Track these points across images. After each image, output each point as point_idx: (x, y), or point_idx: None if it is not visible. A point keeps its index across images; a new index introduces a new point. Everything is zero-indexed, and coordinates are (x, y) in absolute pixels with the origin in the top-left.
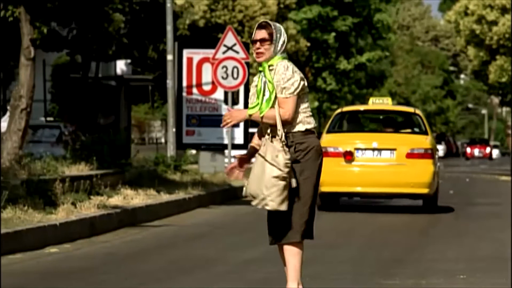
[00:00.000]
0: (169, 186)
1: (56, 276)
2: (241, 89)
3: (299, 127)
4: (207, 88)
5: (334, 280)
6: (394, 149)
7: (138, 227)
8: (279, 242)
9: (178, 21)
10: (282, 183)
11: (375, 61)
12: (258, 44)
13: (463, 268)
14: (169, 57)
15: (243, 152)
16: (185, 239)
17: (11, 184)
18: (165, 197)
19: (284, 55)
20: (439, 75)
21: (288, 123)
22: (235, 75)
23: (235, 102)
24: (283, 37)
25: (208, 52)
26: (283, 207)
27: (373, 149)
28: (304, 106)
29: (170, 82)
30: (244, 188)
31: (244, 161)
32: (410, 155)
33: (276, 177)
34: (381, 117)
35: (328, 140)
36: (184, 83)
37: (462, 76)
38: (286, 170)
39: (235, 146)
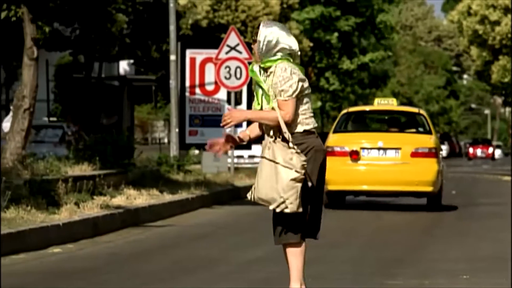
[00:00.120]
0: (172, 186)
1: (59, 276)
2: (244, 89)
3: (298, 129)
4: (210, 88)
5: (337, 280)
6: (399, 149)
7: (141, 227)
8: (280, 242)
9: (180, 21)
10: (299, 185)
11: (378, 61)
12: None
13: (466, 268)
14: (172, 57)
15: (246, 152)
16: (188, 239)
17: (14, 184)
18: (168, 197)
19: (283, 56)
20: (442, 75)
21: (288, 125)
22: (238, 75)
23: (238, 102)
24: (270, 38)
25: (211, 52)
26: (300, 209)
27: (379, 149)
28: (303, 108)
29: (173, 82)
30: (250, 193)
31: (231, 141)
32: (414, 154)
33: (294, 179)
34: (386, 117)
35: (335, 140)
36: (187, 83)
37: (465, 76)
38: (303, 171)
39: (238, 146)
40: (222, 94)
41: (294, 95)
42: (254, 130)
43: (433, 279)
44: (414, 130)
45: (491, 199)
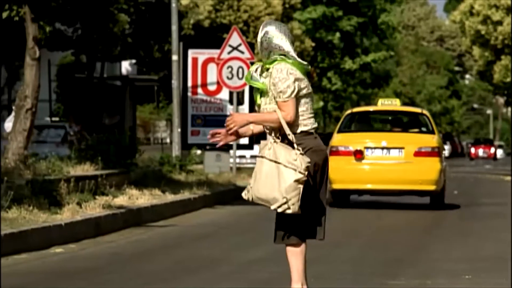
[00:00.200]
0: (174, 186)
1: (61, 276)
2: (246, 89)
3: (295, 130)
4: (212, 88)
5: (338, 280)
6: (403, 148)
7: (143, 227)
8: (280, 242)
9: (182, 21)
10: (301, 186)
11: (380, 61)
12: None
13: (468, 268)
14: (174, 57)
15: (248, 152)
16: (190, 239)
17: (16, 184)
18: (170, 197)
19: (279, 56)
20: (444, 75)
21: (290, 126)
22: (240, 75)
23: (240, 102)
24: (264, 38)
25: (213, 52)
26: (299, 211)
27: (382, 148)
28: (301, 109)
29: (175, 82)
30: (247, 192)
31: (234, 133)
32: (417, 154)
33: (297, 180)
34: (389, 117)
35: (339, 140)
36: (189, 83)
37: (467, 76)
38: (306, 173)
39: (240, 146)
40: (224, 94)
41: (293, 95)
42: (257, 126)
43: (435, 279)
44: (417, 130)
45: (493, 199)
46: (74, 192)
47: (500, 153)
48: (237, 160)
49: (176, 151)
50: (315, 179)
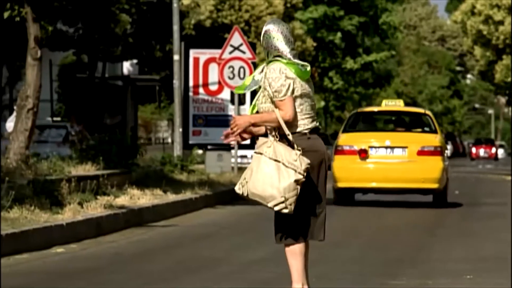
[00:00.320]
0: (175, 186)
1: (62, 276)
2: None
3: (291, 130)
4: (213, 88)
5: (340, 280)
6: (406, 147)
7: (144, 227)
8: (279, 242)
9: (184, 21)
10: (299, 187)
11: (382, 61)
12: None
13: (469, 268)
14: (176, 57)
15: (250, 152)
16: (192, 239)
17: (18, 184)
18: (171, 197)
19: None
20: (446, 75)
21: (289, 126)
22: (241, 75)
23: (241, 102)
24: (263, 37)
25: (215, 52)
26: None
27: (386, 147)
28: (297, 110)
29: (176, 82)
30: (241, 187)
31: (247, 131)
32: (420, 153)
33: (296, 181)
34: (393, 117)
35: (344, 139)
36: (191, 83)
37: (468, 76)
38: (305, 174)
39: (242, 146)
40: (225, 94)
41: (288, 93)
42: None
43: (435, 279)
44: (420, 129)
45: (495, 199)
46: (75, 192)
47: (501, 152)
48: (239, 160)
49: (177, 151)
50: (309, 179)
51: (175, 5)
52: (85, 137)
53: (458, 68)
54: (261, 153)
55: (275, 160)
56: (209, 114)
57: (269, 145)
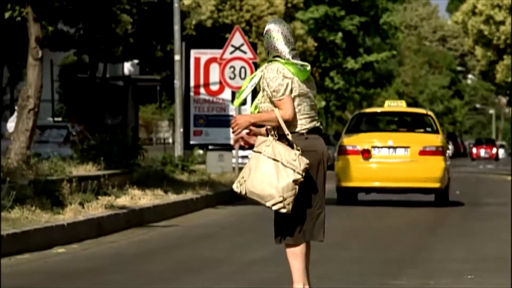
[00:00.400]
0: (176, 186)
1: (63, 276)
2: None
3: (289, 130)
4: (214, 88)
5: (341, 280)
6: (408, 147)
7: (145, 227)
8: (279, 243)
9: (185, 21)
10: (297, 187)
11: (383, 61)
12: None
13: (470, 268)
14: (177, 57)
15: (250, 152)
16: (193, 240)
17: (19, 184)
18: (172, 197)
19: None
20: (447, 75)
21: (288, 125)
22: (242, 75)
23: (242, 102)
24: (264, 37)
25: (216, 52)
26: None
27: (389, 147)
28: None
29: (177, 82)
30: (239, 185)
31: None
32: (422, 152)
33: (295, 181)
34: (396, 118)
35: (347, 139)
36: (192, 83)
37: (469, 76)
38: (304, 174)
39: (243, 146)
40: (226, 94)
41: (287, 92)
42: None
43: (437, 279)
44: (422, 130)
45: (495, 199)
46: (76, 192)
47: (502, 153)
48: (240, 160)
49: (178, 151)
50: (308, 179)
51: (176, 5)
52: (86, 137)
53: (459, 68)
54: (259, 152)
55: (274, 159)
56: (210, 114)
57: (268, 144)
